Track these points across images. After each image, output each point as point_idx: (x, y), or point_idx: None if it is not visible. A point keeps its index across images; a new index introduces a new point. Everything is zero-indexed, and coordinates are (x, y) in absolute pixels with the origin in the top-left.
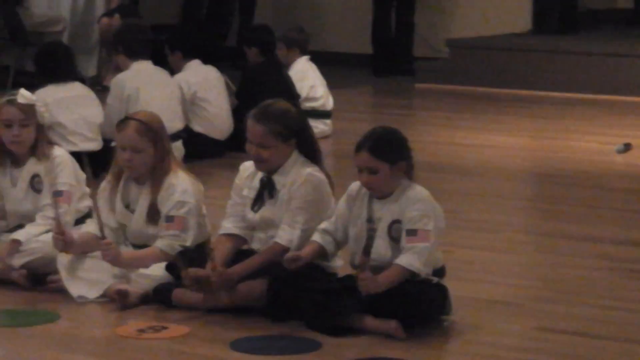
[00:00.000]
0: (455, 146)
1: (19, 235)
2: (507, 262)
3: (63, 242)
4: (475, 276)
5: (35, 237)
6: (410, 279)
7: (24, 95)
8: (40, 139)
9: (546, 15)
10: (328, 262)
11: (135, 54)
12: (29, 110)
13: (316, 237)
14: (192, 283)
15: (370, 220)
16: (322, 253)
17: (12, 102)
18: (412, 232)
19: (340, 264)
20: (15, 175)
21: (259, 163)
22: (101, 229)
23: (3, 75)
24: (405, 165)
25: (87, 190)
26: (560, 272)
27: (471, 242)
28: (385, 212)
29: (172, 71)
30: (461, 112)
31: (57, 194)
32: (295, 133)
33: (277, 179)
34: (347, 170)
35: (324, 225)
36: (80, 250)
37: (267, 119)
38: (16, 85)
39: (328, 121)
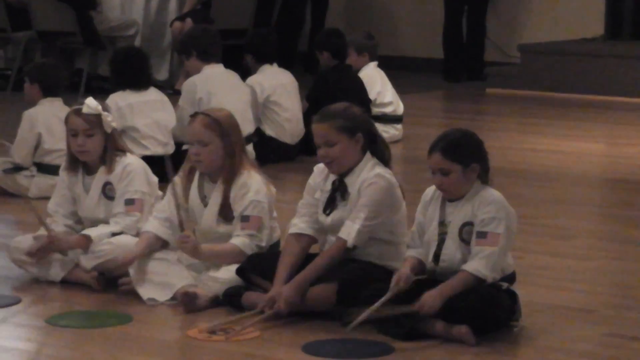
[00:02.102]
0: (527, 151)
1: (90, 231)
2: (579, 268)
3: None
4: (547, 282)
5: (108, 240)
6: (478, 284)
7: (89, 105)
8: (109, 147)
9: (619, 21)
10: (424, 276)
11: (206, 58)
12: (93, 120)
13: (411, 251)
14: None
15: (442, 223)
16: (421, 268)
17: (77, 112)
18: (481, 235)
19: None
20: (88, 182)
21: (330, 164)
22: (180, 223)
23: (76, 79)
24: (478, 168)
25: (160, 194)
26: (634, 279)
27: (543, 248)
28: (457, 214)
29: (245, 76)
30: (532, 117)
31: (128, 203)
32: (360, 128)
33: (349, 181)
34: (417, 175)
35: (411, 238)
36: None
37: (329, 116)
38: (89, 89)
39: (399, 126)
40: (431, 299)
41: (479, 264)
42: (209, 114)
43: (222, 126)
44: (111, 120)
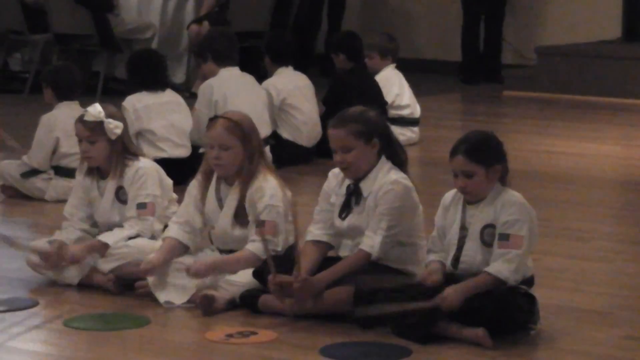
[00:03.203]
0: (545, 154)
1: (106, 237)
2: (597, 270)
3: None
4: (564, 284)
5: (124, 243)
6: (498, 287)
7: (91, 112)
8: (116, 153)
9: (636, 23)
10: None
11: (223, 61)
12: (95, 127)
13: (433, 256)
14: (277, 289)
15: (463, 227)
16: (444, 270)
17: (81, 119)
18: (504, 237)
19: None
20: (102, 186)
21: (346, 169)
22: (269, 266)
23: (93, 81)
24: (500, 169)
25: (175, 196)
26: None
27: (561, 250)
28: (478, 217)
29: (261, 78)
30: (550, 119)
31: (140, 207)
32: (376, 132)
33: (364, 185)
34: (435, 177)
35: (431, 243)
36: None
37: (345, 121)
38: (106, 92)
39: (415, 129)
40: (453, 294)
41: (502, 267)
42: (231, 118)
43: (243, 130)
44: (114, 127)
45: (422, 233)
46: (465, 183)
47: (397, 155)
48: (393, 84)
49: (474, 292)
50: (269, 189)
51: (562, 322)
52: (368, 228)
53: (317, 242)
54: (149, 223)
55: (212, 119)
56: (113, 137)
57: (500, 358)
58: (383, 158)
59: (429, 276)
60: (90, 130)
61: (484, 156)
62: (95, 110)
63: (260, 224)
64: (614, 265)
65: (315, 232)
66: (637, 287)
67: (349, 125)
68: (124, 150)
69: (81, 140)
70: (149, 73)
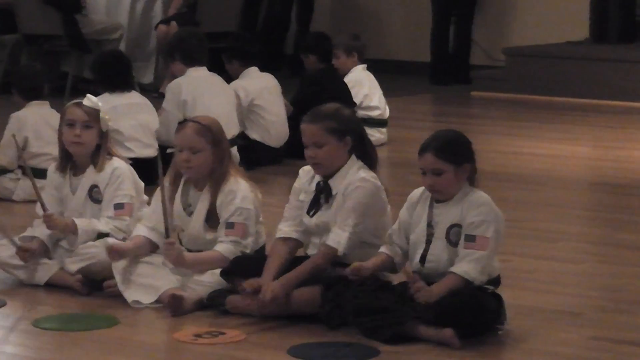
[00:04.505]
0: (513, 155)
1: (80, 221)
2: (566, 271)
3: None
4: (534, 285)
5: (92, 243)
6: (465, 287)
7: (90, 99)
8: (102, 147)
9: (604, 24)
10: (396, 273)
11: (191, 61)
12: (93, 113)
13: (384, 248)
14: (248, 294)
15: (430, 225)
16: (389, 265)
17: (78, 104)
18: (470, 238)
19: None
20: (75, 183)
21: (316, 165)
22: (166, 230)
23: (62, 82)
24: (469, 168)
25: (146, 198)
26: (620, 282)
27: (531, 251)
28: (444, 216)
29: (230, 79)
30: (518, 120)
31: (118, 207)
32: (349, 131)
33: (333, 183)
34: (403, 178)
35: (389, 235)
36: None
37: (319, 117)
38: (74, 92)
39: (384, 129)
40: (428, 291)
41: (468, 267)
42: (200, 121)
43: (213, 133)
44: (108, 119)
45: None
46: (433, 181)
47: (368, 155)
48: (363, 85)
49: (443, 294)
50: (240, 191)
51: (531, 323)
52: (335, 224)
53: (286, 239)
54: (125, 224)
55: (181, 123)
56: (105, 129)
57: (468, 358)
58: (353, 157)
59: (358, 270)
60: (88, 115)
61: (453, 154)
62: (94, 99)
63: (229, 225)
64: (583, 266)
65: (284, 229)
66: (607, 288)
67: (323, 121)
68: (106, 146)
69: (73, 125)
70: (114, 74)
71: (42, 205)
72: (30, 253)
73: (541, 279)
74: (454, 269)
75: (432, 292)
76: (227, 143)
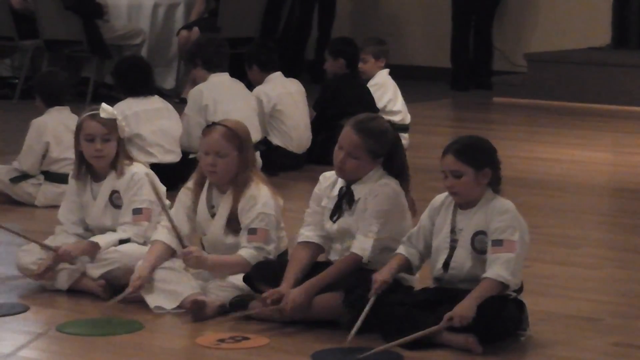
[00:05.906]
0: (534, 160)
1: (97, 238)
2: (586, 277)
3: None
4: (554, 291)
5: (114, 248)
6: (504, 290)
7: (105, 109)
8: (121, 153)
9: (625, 30)
10: (412, 275)
11: (213, 67)
12: (110, 124)
13: (401, 249)
14: (270, 304)
15: (453, 231)
16: (406, 266)
17: (94, 117)
18: (497, 243)
19: (417, 277)
20: (96, 190)
21: (342, 171)
22: (180, 240)
23: (83, 87)
24: (490, 173)
25: (168, 202)
26: None
27: (550, 257)
28: (468, 223)
29: (250, 84)
30: (539, 126)
31: (136, 212)
32: (385, 152)
33: (356, 189)
34: (424, 184)
35: (408, 237)
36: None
37: (366, 133)
38: (96, 97)
39: (406, 135)
40: (464, 310)
41: (500, 269)
42: (227, 126)
43: (240, 139)
44: (125, 125)
45: None
46: (452, 183)
47: (399, 170)
48: (387, 90)
49: (481, 302)
50: (261, 197)
51: (552, 329)
52: (358, 231)
53: (308, 244)
54: (143, 229)
55: (209, 126)
56: (123, 136)
57: None
58: (379, 166)
59: (375, 290)
60: (107, 127)
61: (474, 157)
62: (109, 108)
63: (252, 231)
64: (603, 272)
65: (306, 233)
66: (627, 293)
67: (368, 139)
68: (125, 151)
69: (92, 140)
70: (135, 80)
71: (49, 248)
72: (45, 270)
73: (561, 285)
74: (487, 274)
75: (465, 307)
76: (252, 149)
